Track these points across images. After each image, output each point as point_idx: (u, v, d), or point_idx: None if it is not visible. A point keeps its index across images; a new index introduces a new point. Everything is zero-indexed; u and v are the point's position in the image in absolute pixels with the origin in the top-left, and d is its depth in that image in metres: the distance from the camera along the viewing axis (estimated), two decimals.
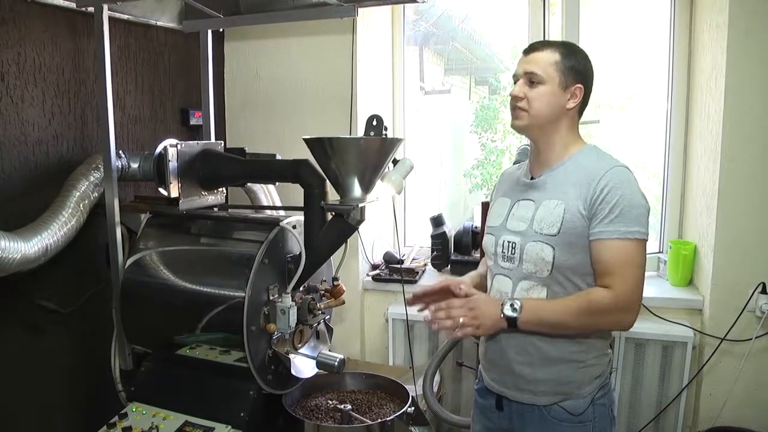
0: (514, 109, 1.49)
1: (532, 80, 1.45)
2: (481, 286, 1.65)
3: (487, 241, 1.59)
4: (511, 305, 1.39)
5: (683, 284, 2.51)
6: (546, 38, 2.61)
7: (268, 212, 2.28)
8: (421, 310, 1.58)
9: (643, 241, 1.39)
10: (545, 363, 1.46)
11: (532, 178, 1.54)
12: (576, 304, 1.39)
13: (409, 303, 1.62)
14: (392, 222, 2.93)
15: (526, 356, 1.47)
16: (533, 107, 1.45)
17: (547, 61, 1.44)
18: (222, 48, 2.82)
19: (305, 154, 1.71)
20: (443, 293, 1.55)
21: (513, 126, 1.52)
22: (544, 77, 1.44)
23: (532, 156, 1.58)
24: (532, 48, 1.49)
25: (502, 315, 1.39)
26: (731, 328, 2.23)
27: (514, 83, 1.51)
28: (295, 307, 1.70)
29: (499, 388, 1.54)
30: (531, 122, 1.47)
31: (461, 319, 1.40)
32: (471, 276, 1.70)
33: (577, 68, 1.45)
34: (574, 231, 1.40)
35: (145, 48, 2.37)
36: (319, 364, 1.82)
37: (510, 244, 1.50)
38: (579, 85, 1.46)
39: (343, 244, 1.80)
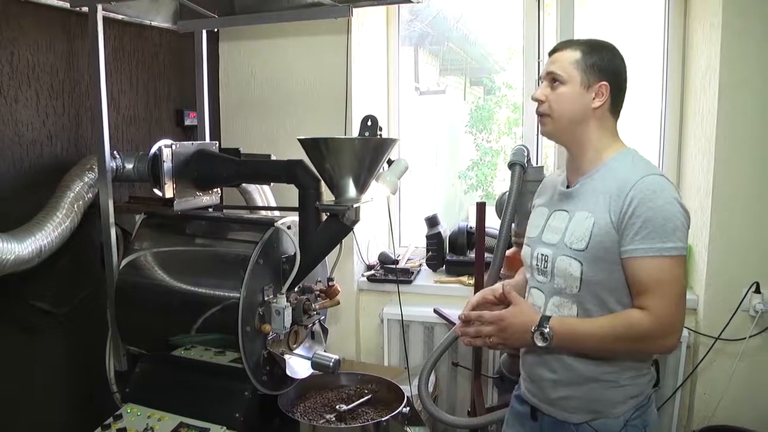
0: (539, 115, 1.43)
1: (554, 80, 1.38)
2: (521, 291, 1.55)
3: (525, 252, 1.51)
4: (541, 334, 1.28)
5: None
6: (541, 39, 2.62)
7: (263, 213, 2.28)
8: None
9: (681, 258, 1.27)
10: (574, 382, 1.39)
11: (568, 187, 1.45)
12: (613, 329, 1.28)
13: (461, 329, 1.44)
14: (387, 222, 2.93)
15: (555, 374, 1.41)
16: (554, 110, 1.39)
17: (567, 60, 1.37)
18: (217, 48, 2.81)
19: (300, 154, 1.71)
20: (487, 305, 1.48)
21: (541, 133, 1.48)
22: (565, 77, 1.37)
23: (567, 162, 1.49)
24: (555, 48, 1.42)
25: (532, 341, 1.31)
26: (725, 327, 2.23)
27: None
28: (290, 308, 1.70)
29: (534, 400, 1.49)
30: (556, 126, 1.40)
31: (490, 339, 1.36)
32: (510, 284, 1.53)
33: (600, 65, 1.37)
34: (602, 245, 1.30)
35: (139, 48, 2.37)
36: (315, 365, 1.82)
37: (543, 257, 1.42)
38: (604, 83, 1.37)
39: (338, 245, 1.80)
